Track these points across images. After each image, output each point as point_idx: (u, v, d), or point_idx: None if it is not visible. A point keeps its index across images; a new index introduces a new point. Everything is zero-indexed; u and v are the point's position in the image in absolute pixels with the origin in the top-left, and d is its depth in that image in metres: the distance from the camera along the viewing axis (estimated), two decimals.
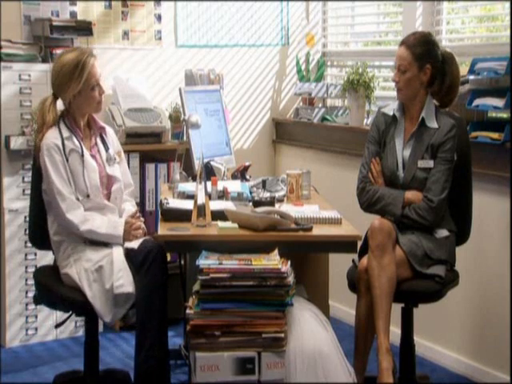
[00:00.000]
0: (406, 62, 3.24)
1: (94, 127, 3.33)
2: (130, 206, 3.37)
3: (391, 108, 3.38)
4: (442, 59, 3.29)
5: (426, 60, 3.24)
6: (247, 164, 3.90)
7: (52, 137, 3.19)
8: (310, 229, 2.93)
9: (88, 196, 3.19)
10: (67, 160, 3.17)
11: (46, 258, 4.03)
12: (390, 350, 2.99)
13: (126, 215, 3.29)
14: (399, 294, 3.10)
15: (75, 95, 3.20)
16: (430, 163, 3.24)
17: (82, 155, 3.21)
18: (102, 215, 3.21)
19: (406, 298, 3.20)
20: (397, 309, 3.30)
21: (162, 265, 3.01)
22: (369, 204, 3.31)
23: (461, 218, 3.36)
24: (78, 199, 3.17)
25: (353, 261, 3.30)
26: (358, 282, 3.14)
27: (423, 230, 3.23)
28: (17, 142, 4.08)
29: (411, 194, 3.24)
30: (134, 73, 4.64)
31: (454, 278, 3.30)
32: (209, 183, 3.18)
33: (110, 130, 3.41)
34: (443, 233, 3.26)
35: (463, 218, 3.37)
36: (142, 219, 3.27)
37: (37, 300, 3.30)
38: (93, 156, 3.28)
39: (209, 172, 3.57)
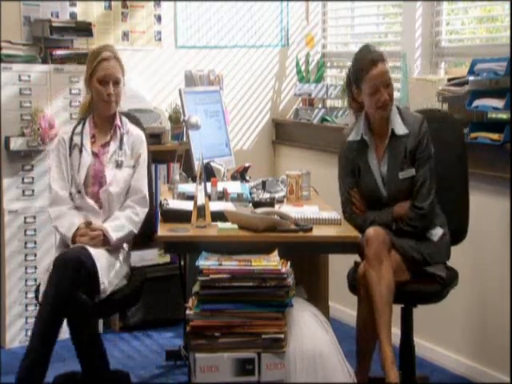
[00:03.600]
0: (388, 74, 3.21)
1: (116, 127, 3.35)
2: (130, 213, 3.28)
3: (357, 133, 3.30)
4: None
5: None
6: (247, 165, 3.90)
7: (64, 131, 3.39)
8: (310, 229, 2.93)
9: (79, 192, 3.25)
10: (70, 154, 3.28)
11: (45, 258, 4.03)
12: (395, 360, 2.97)
13: (111, 221, 3.25)
14: (401, 295, 3.10)
15: (87, 80, 3.31)
16: (412, 171, 3.22)
17: (81, 151, 3.27)
18: (86, 216, 3.24)
19: (409, 300, 3.20)
20: (396, 309, 3.30)
21: (62, 274, 2.97)
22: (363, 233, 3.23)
23: (458, 217, 3.36)
24: (71, 194, 3.25)
25: (355, 263, 3.30)
26: (357, 286, 3.15)
27: (419, 235, 3.23)
28: (16, 143, 4.08)
29: (400, 208, 3.22)
30: (134, 74, 4.63)
31: (454, 278, 3.30)
32: (208, 184, 3.18)
33: (136, 135, 3.38)
34: (438, 232, 3.25)
35: (461, 216, 3.37)
36: (94, 229, 3.19)
37: None
38: (95, 154, 3.31)
39: (209, 173, 3.57)
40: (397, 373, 2.96)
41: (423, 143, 3.21)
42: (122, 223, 3.24)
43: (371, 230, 3.09)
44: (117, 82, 3.30)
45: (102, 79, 3.27)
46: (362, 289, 3.11)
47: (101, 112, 3.36)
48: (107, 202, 3.28)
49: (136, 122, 3.56)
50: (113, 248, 3.20)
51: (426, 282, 3.19)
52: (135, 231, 3.29)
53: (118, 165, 3.31)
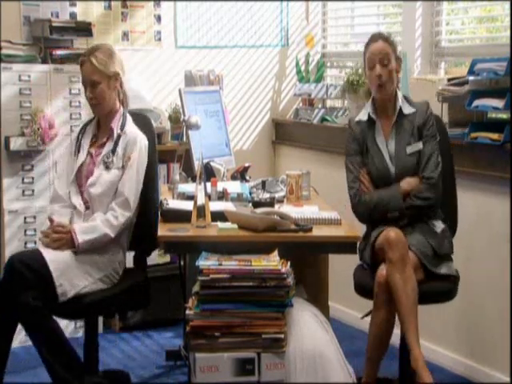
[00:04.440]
0: (387, 52, 3.27)
1: (112, 128, 3.34)
2: (109, 216, 3.18)
3: (364, 113, 3.37)
4: None
5: (396, 51, 3.33)
6: (247, 165, 3.90)
7: (76, 131, 3.47)
8: (310, 229, 2.93)
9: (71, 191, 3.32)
10: (75, 153, 3.36)
11: None
12: (425, 363, 2.94)
13: (88, 222, 3.22)
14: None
15: None
16: (419, 145, 3.27)
17: (78, 151, 3.33)
18: (73, 215, 3.28)
19: (425, 299, 3.14)
20: None
21: (3, 277, 3.04)
22: (369, 213, 3.26)
23: (447, 212, 3.36)
24: (69, 192, 3.31)
25: (362, 265, 3.29)
26: (377, 294, 3.06)
27: (422, 222, 3.23)
28: (16, 143, 4.08)
29: (406, 184, 3.24)
30: (134, 74, 4.63)
31: (459, 277, 3.31)
32: (208, 184, 3.18)
33: (131, 136, 3.30)
34: (440, 225, 3.26)
35: (450, 211, 3.37)
36: (58, 231, 3.16)
37: None
38: (90, 154, 3.34)
39: (208, 173, 3.57)
40: (429, 373, 2.93)
41: (429, 122, 3.28)
42: (95, 225, 3.17)
43: (392, 233, 3.04)
44: (94, 84, 3.26)
45: (83, 84, 3.33)
46: (382, 294, 3.04)
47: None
48: (90, 203, 3.26)
49: (144, 122, 3.50)
50: (80, 250, 3.14)
51: (439, 281, 3.18)
52: (111, 235, 3.17)
53: (107, 166, 3.27)
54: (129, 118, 3.39)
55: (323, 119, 4.83)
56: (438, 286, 3.18)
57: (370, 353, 3.11)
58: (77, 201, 3.28)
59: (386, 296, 3.02)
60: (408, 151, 3.27)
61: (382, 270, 3.04)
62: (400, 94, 3.34)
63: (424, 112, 3.29)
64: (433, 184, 3.22)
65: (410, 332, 2.96)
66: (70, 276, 3.07)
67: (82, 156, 3.33)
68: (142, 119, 3.52)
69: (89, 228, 3.17)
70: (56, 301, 3.03)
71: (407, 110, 3.31)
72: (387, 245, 3.03)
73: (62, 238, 3.14)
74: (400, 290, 2.97)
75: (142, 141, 3.32)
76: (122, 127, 3.33)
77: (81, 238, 3.13)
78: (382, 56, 3.25)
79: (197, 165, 3.73)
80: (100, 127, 3.40)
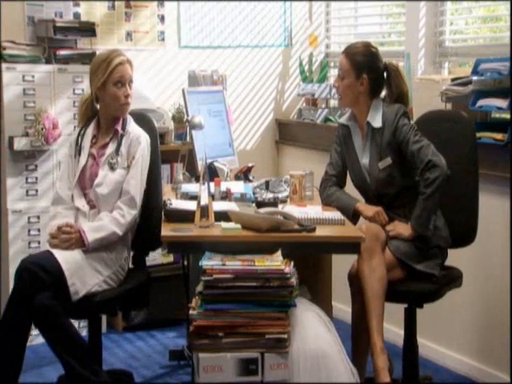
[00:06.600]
0: (343, 69, 3.30)
1: (116, 130, 3.33)
2: (116, 215, 3.21)
3: (345, 118, 3.44)
4: (387, 71, 3.33)
5: (364, 70, 3.28)
6: (250, 165, 3.90)
7: (75, 133, 3.44)
8: (313, 230, 2.92)
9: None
10: (75, 155, 3.34)
11: None
12: (384, 349, 3.00)
13: (95, 221, 3.23)
14: (395, 294, 3.12)
15: (100, 88, 3.30)
16: (388, 160, 3.26)
17: (79, 154, 3.32)
18: (77, 216, 3.28)
19: (403, 299, 3.21)
20: (400, 310, 3.30)
21: (18, 280, 3.02)
22: (326, 203, 3.40)
23: (467, 217, 3.35)
24: (72, 195, 3.31)
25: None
26: (350, 285, 3.19)
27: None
28: (20, 143, 4.09)
29: (363, 206, 3.30)
30: (137, 74, 4.62)
31: (455, 278, 3.30)
32: (212, 184, 3.18)
33: (134, 136, 3.32)
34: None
35: (469, 216, 3.35)
36: (66, 232, 3.16)
37: None
38: (92, 155, 3.33)
39: (212, 173, 3.57)
40: (386, 360, 2.97)
41: (398, 129, 3.22)
42: (102, 224, 3.19)
43: (363, 226, 3.13)
44: (131, 83, 3.34)
45: (118, 81, 3.28)
46: (354, 284, 3.15)
47: (115, 114, 3.35)
48: (97, 203, 3.27)
49: (145, 121, 3.50)
50: (90, 249, 3.15)
51: (420, 281, 3.18)
52: (119, 233, 3.20)
53: (112, 167, 3.28)
54: (130, 118, 3.40)
55: (326, 119, 4.83)
56: (419, 287, 3.18)
57: (354, 346, 3.17)
58: (80, 202, 3.28)
59: (356, 286, 3.12)
60: (380, 167, 3.27)
61: (355, 264, 3.14)
62: (375, 106, 3.29)
63: (391, 122, 3.24)
64: (433, 165, 3.15)
65: (372, 321, 3.02)
66: (81, 275, 3.10)
67: (84, 158, 3.33)
68: (142, 119, 3.53)
69: (97, 227, 3.19)
70: (68, 300, 3.05)
71: (376, 123, 3.28)
72: None
73: (71, 238, 3.15)
74: (365, 278, 3.04)
75: (145, 139, 3.36)
76: (124, 127, 3.35)
77: (90, 236, 3.15)
78: (339, 69, 3.34)
79: (200, 165, 3.73)
80: (100, 128, 3.40)
